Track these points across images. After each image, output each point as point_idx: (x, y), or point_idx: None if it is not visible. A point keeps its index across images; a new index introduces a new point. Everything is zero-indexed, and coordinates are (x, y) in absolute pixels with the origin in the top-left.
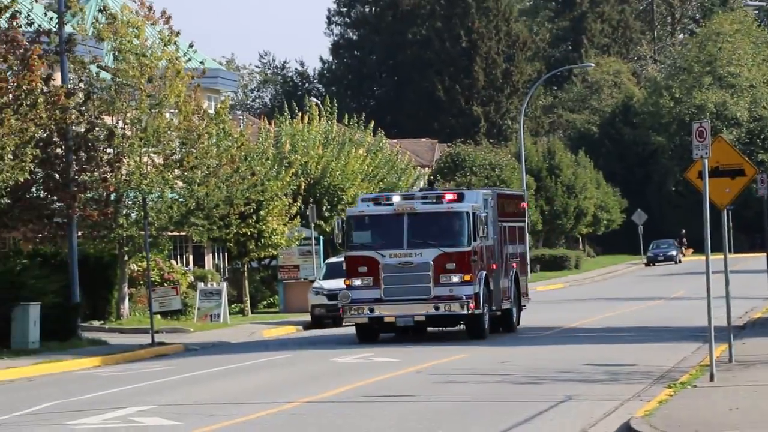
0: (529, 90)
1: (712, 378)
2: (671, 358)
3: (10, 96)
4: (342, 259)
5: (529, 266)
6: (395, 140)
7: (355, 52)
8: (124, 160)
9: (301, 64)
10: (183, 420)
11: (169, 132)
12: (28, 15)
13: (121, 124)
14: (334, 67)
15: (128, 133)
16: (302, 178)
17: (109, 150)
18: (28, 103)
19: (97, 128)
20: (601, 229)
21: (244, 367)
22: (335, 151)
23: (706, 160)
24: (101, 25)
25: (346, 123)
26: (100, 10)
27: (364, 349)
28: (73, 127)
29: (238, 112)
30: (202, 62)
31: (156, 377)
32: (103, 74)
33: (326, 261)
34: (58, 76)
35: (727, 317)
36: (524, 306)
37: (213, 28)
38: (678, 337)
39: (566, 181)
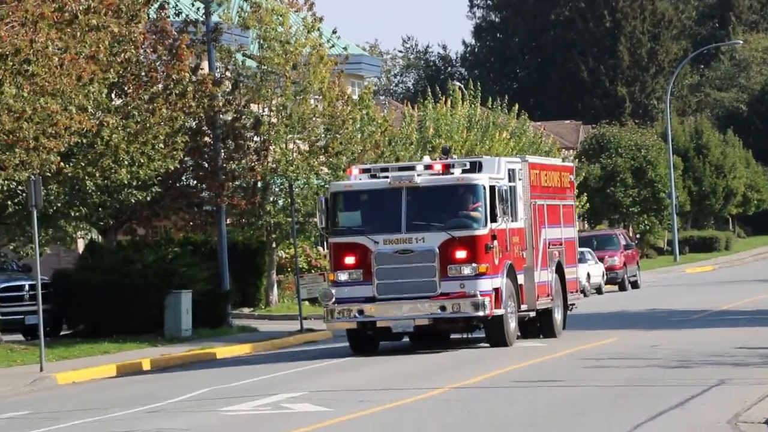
0: (675, 69)
1: None
2: None
3: (160, 86)
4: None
5: (577, 254)
6: (539, 123)
7: (498, 35)
8: (270, 147)
9: (444, 48)
10: (333, 406)
11: (314, 118)
12: (176, 5)
13: (266, 111)
14: (476, 50)
15: (274, 120)
16: None
17: (255, 138)
18: (177, 92)
19: (244, 116)
20: (752, 210)
21: (393, 353)
22: (479, 135)
23: None
24: (246, 14)
25: (490, 106)
26: None
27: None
28: (221, 116)
29: (382, 98)
30: (345, 48)
31: (305, 364)
32: (249, 62)
33: None
34: (205, 65)
35: None
36: (573, 306)
37: (356, 14)
38: None
39: (714, 161)
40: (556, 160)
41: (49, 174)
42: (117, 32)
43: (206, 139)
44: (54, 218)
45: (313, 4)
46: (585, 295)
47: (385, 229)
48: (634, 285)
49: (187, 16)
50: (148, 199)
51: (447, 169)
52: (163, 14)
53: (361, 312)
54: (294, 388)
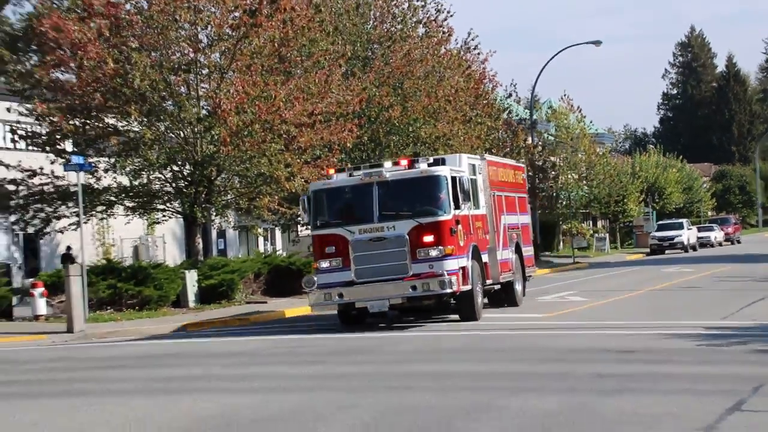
0: (760, 138)
1: None
2: None
3: (508, 149)
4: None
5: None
6: (691, 164)
7: (671, 123)
8: (560, 176)
9: (644, 128)
10: (589, 297)
11: (581, 163)
12: (516, 113)
13: (558, 160)
14: (660, 130)
15: (562, 164)
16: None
17: (552, 173)
18: (517, 152)
19: (546, 162)
20: None
21: (617, 273)
22: (661, 170)
23: None
24: (549, 114)
25: (667, 156)
26: (549, 107)
27: (672, 265)
28: (537, 162)
29: (613, 153)
30: (596, 129)
31: (574, 278)
32: (550, 137)
33: (658, 222)
34: (529, 139)
35: None
36: (530, 276)
37: (602, 105)
38: None
39: None
40: (510, 160)
41: None
42: (490, 125)
43: (529, 173)
44: None
45: (580, 109)
46: (712, 246)
47: (360, 220)
48: (738, 242)
49: (518, 115)
50: None
51: (412, 164)
52: (510, 116)
53: (341, 295)
54: (569, 289)
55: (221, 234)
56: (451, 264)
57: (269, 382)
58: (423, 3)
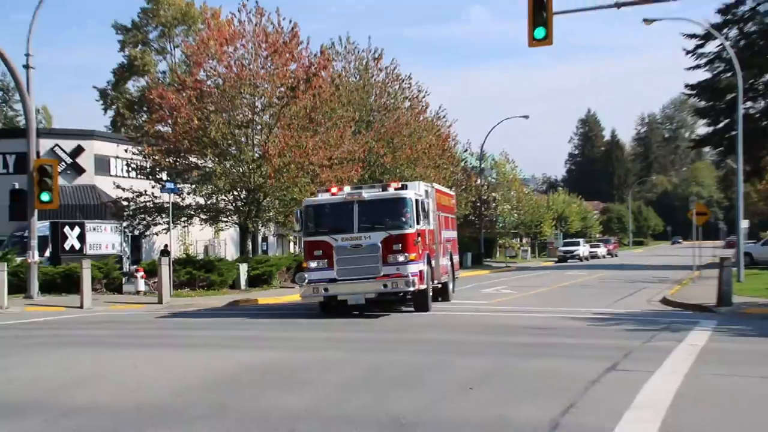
0: (631, 186)
1: (693, 281)
2: (681, 275)
3: (464, 186)
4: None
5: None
6: (587, 201)
7: (574, 173)
8: (494, 208)
9: (555, 177)
10: (516, 290)
11: (513, 200)
12: (470, 162)
13: (498, 196)
14: (567, 178)
15: (500, 199)
16: (555, 214)
17: (493, 209)
18: (472, 189)
19: (489, 197)
20: (658, 231)
21: (535, 274)
22: (566, 206)
23: None
24: (492, 163)
25: (570, 196)
26: (492, 159)
27: (572, 270)
28: (483, 196)
29: (536, 192)
30: (524, 175)
31: (505, 277)
32: (492, 179)
33: (564, 240)
34: (479, 181)
35: (698, 262)
36: (457, 278)
37: (526, 156)
38: (684, 268)
39: (643, 216)
40: (447, 189)
41: None
42: (452, 170)
43: (477, 204)
44: None
45: (514, 161)
46: (599, 258)
47: (342, 230)
48: (616, 255)
49: (473, 164)
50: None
51: (384, 188)
52: (466, 164)
53: (326, 289)
54: (502, 283)
55: (264, 239)
56: (413, 268)
57: (294, 343)
58: (409, 85)
